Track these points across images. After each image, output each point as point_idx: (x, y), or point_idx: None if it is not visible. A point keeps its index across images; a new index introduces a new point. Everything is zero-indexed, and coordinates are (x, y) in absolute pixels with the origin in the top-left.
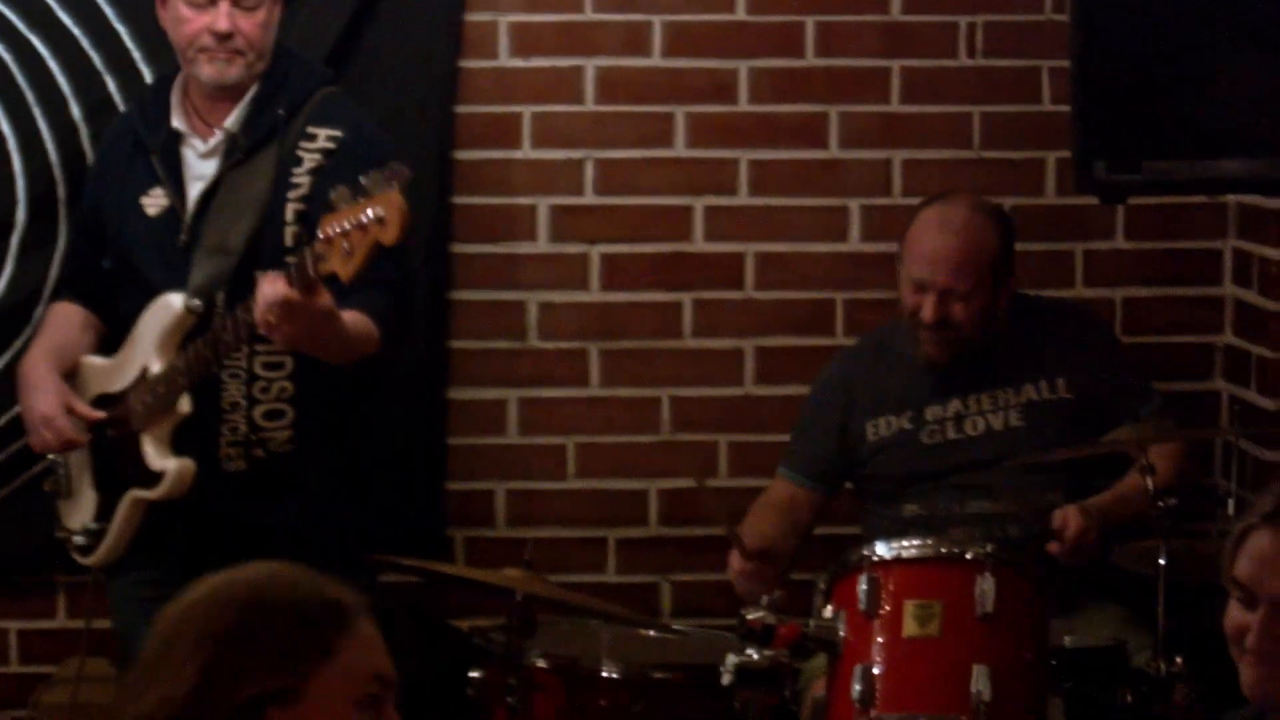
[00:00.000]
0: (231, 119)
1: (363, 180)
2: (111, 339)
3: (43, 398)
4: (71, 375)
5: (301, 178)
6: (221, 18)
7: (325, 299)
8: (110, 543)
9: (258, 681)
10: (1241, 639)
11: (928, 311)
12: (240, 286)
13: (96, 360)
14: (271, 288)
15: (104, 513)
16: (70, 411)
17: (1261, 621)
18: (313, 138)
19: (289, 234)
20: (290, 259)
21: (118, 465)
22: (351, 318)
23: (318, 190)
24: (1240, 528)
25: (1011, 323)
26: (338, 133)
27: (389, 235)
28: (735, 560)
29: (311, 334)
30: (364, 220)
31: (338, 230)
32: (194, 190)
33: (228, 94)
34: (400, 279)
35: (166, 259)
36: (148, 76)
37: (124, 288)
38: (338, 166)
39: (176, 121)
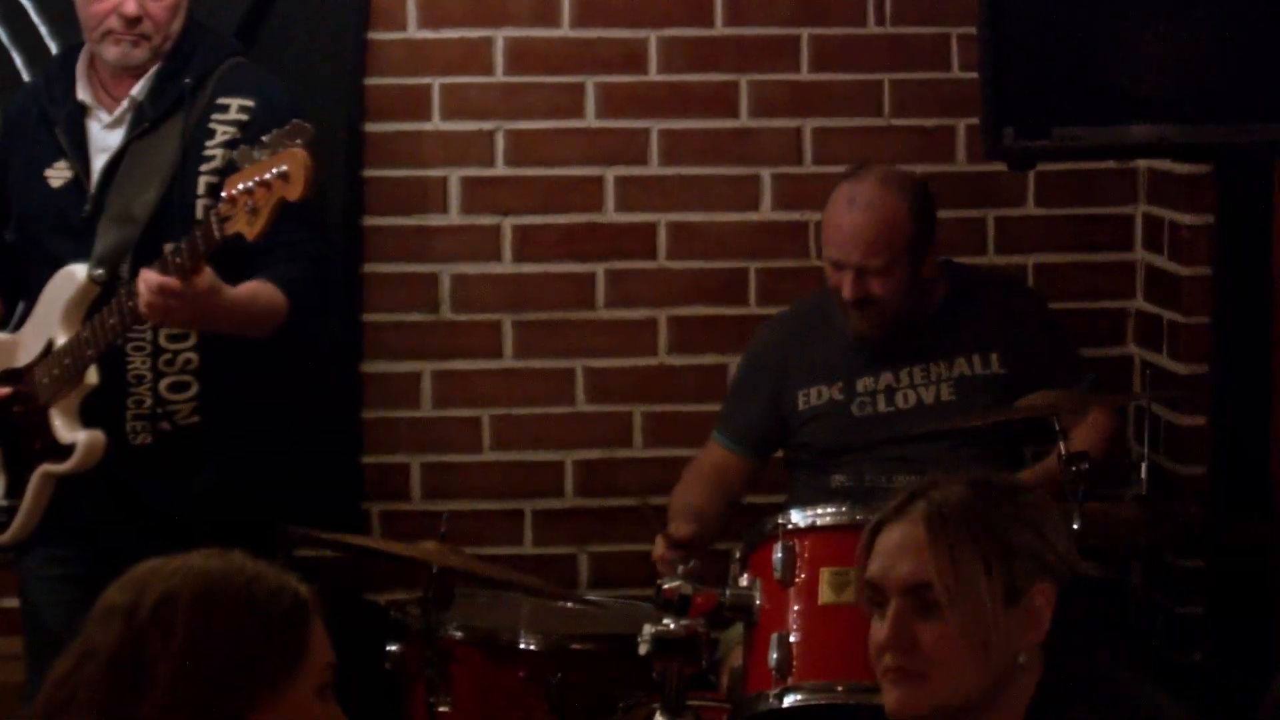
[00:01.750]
0: (138, 88)
1: (265, 139)
2: (10, 315)
3: None
4: None
5: (214, 150)
6: (129, 2)
7: (204, 279)
8: (22, 520)
9: (246, 690)
10: (882, 656)
11: (847, 290)
12: (146, 256)
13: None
14: (148, 278)
15: (13, 490)
16: None
17: (893, 619)
18: (224, 109)
19: (200, 206)
20: (168, 246)
21: (26, 441)
22: (256, 287)
23: (229, 161)
24: (869, 529)
25: (945, 294)
26: (249, 102)
27: (294, 191)
28: (661, 548)
29: (201, 316)
30: (268, 177)
31: (241, 189)
32: (99, 162)
33: (134, 70)
34: (315, 251)
35: (71, 231)
36: (54, 50)
37: (28, 261)
38: (252, 137)
39: (82, 94)
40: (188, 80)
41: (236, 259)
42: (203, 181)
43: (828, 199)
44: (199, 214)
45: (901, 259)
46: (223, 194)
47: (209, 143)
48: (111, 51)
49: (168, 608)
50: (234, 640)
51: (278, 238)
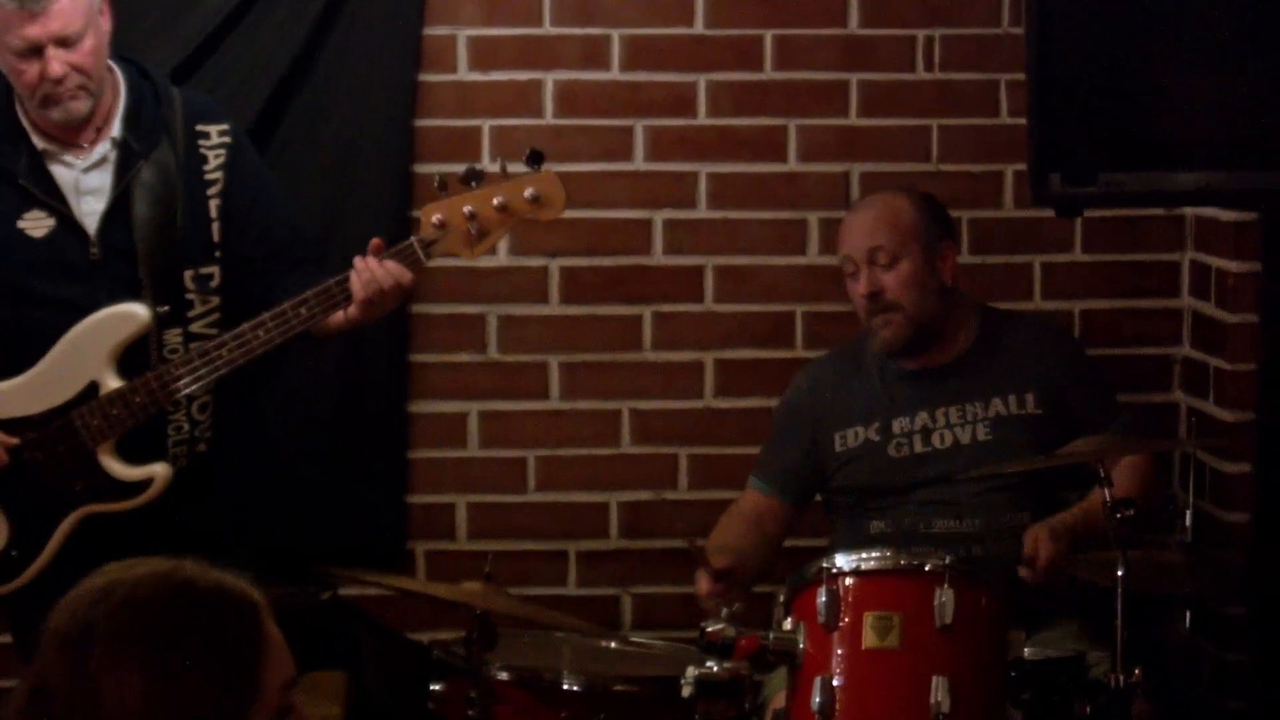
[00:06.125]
0: (116, 128)
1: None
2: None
3: None
4: None
5: (214, 174)
6: (52, 63)
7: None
8: (39, 564)
9: None
10: None
11: (861, 286)
12: (175, 287)
13: None
14: (396, 273)
15: (21, 539)
16: None
17: None
18: (205, 135)
19: (215, 229)
20: (416, 240)
21: (52, 486)
22: None
23: (231, 182)
24: None
25: (981, 335)
26: (225, 125)
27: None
28: (704, 583)
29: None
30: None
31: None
32: (86, 204)
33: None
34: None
35: (74, 275)
36: None
37: (13, 313)
38: (239, 156)
39: (40, 143)
40: (166, 110)
41: (242, 273)
42: (213, 205)
43: None
44: (216, 236)
45: (909, 247)
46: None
47: (205, 167)
48: (55, 113)
49: (120, 652)
50: (190, 689)
51: (276, 242)
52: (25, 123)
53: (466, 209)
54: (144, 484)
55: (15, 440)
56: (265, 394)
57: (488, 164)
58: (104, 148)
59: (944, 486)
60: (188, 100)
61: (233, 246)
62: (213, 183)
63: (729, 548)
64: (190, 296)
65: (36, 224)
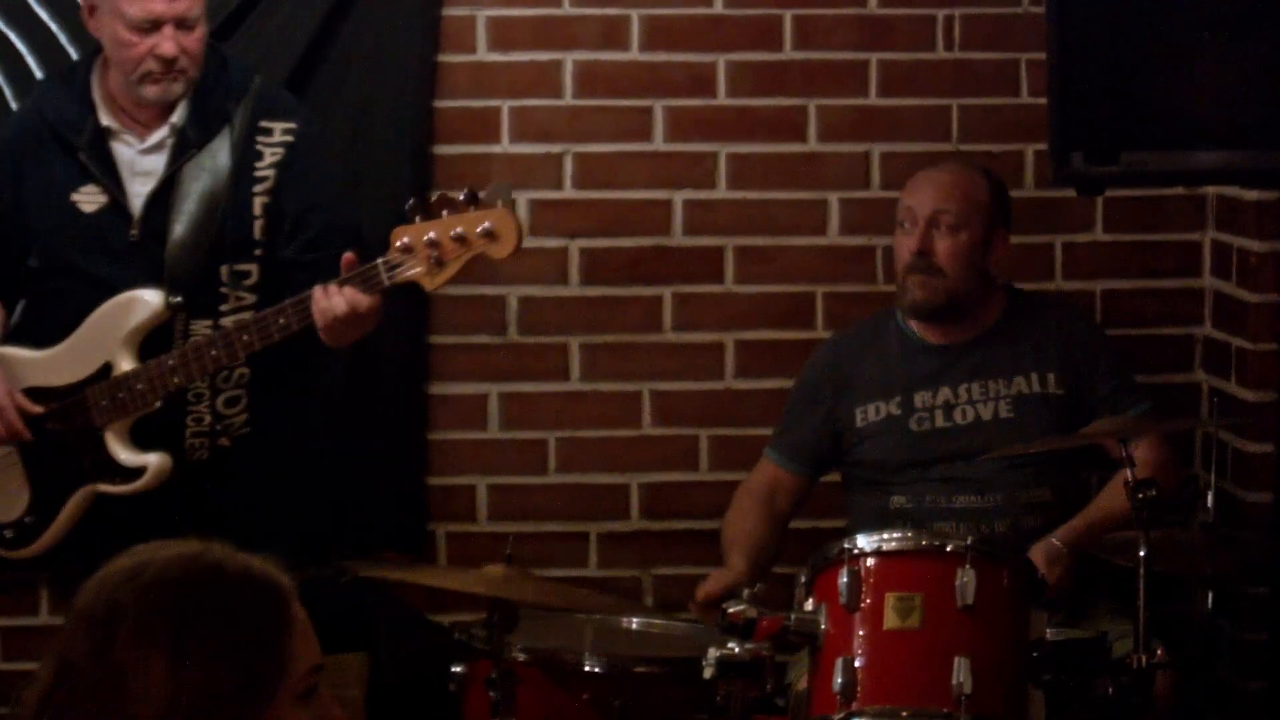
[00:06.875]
0: (178, 115)
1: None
2: (34, 333)
3: None
4: None
5: (265, 171)
6: (167, 42)
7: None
8: (52, 534)
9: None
10: None
11: (914, 242)
12: (208, 282)
13: (21, 352)
14: (351, 300)
15: (39, 505)
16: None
17: None
18: (268, 131)
19: (257, 227)
20: (382, 262)
21: (68, 458)
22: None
23: (282, 183)
24: None
25: (1005, 314)
26: (292, 124)
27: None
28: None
29: (362, 330)
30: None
31: (454, 234)
32: (137, 186)
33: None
34: None
35: (112, 254)
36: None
37: (57, 284)
38: (299, 157)
39: (105, 119)
40: (230, 104)
41: (282, 274)
42: (257, 203)
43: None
44: (257, 234)
45: (971, 221)
46: (436, 238)
47: (258, 164)
48: (151, 91)
49: (147, 633)
50: (216, 671)
51: (325, 251)
52: (97, 96)
53: (429, 236)
54: (141, 470)
55: (39, 409)
56: (302, 390)
57: (486, 184)
58: (163, 132)
59: (965, 462)
60: (262, 93)
61: (275, 247)
62: (261, 180)
63: (747, 543)
64: (224, 290)
65: (89, 199)
